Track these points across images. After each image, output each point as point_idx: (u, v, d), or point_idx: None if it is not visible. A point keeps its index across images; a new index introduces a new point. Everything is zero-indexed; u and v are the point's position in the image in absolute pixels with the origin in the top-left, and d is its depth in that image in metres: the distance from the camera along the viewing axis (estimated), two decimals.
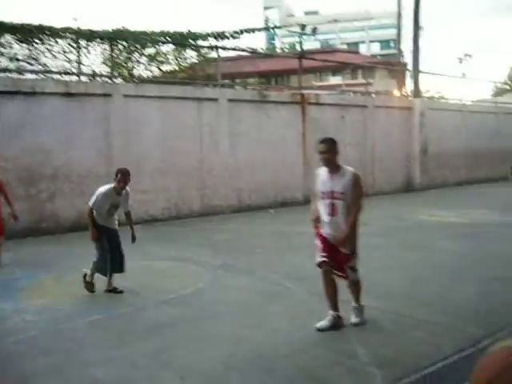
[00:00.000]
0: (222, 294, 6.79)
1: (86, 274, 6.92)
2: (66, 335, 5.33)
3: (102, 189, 6.93)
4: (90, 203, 6.92)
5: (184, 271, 8.24)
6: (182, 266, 8.51)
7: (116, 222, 7.17)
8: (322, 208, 5.34)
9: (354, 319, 5.38)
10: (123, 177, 6.85)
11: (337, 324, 5.27)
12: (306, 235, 11.12)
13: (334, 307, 5.34)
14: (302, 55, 18.51)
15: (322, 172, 5.43)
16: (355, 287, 5.49)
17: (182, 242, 10.94)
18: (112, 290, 6.83)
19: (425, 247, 9.51)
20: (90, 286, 6.86)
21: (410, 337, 5.00)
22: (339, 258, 5.30)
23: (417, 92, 22.30)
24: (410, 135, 21.17)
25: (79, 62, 15.02)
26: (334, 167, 5.35)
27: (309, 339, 4.99)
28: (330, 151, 5.30)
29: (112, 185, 6.92)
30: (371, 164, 19.69)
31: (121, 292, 6.80)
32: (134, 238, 7.18)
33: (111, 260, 6.88)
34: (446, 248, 9.39)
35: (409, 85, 26.51)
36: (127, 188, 7.04)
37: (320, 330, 5.16)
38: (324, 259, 5.32)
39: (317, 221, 5.39)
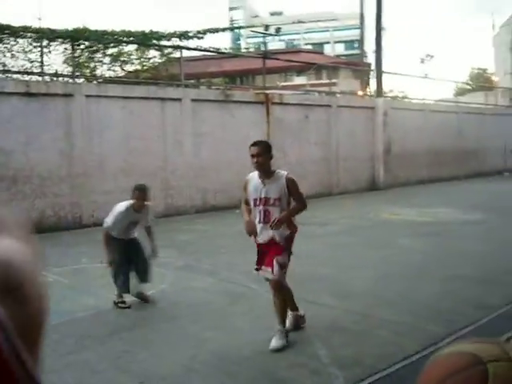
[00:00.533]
0: (184, 295, 6.72)
1: (116, 302, 6.25)
2: None
3: (120, 207, 6.37)
4: (107, 224, 6.31)
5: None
6: None
7: (133, 232, 6.59)
8: (254, 215, 5.04)
9: (273, 343, 4.72)
10: (141, 194, 6.38)
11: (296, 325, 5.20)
12: None
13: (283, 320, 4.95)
14: (266, 55, 18.49)
15: (254, 177, 5.13)
16: (280, 301, 4.90)
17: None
18: (142, 298, 6.41)
19: (388, 245, 9.59)
20: (123, 304, 6.24)
21: (372, 337, 5.02)
22: (270, 251, 4.92)
23: (380, 92, 22.53)
24: (373, 135, 21.38)
25: (40, 62, 14.73)
26: (266, 172, 5.04)
27: (271, 341, 4.96)
28: (262, 154, 5.00)
29: (130, 202, 6.39)
30: (336, 163, 19.81)
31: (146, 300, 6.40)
32: (155, 253, 6.60)
33: (136, 271, 6.35)
34: (409, 246, 9.49)
35: (372, 85, 26.82)
36: (147, 203, 6.53)
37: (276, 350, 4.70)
38: (256, 267, 5.10)
39: (254, 233, 5.07)
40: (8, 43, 15.05)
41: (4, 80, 13.19)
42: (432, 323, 5.34)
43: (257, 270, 5.10)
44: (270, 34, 35.80)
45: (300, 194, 5.08)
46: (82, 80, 15.82)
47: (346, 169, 20.04)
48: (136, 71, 18.72)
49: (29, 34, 15.02)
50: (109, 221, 6.31)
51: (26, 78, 14.38)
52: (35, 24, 16.09)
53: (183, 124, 15.30)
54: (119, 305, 6.20)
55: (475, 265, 7.82)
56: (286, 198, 4.98)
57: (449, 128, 25.09)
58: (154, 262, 8.36)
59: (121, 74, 18.95)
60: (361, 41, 27.84)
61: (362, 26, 26.58)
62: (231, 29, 36.76)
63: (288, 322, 5.05)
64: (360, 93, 26.44)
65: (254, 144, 5.12)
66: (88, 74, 16.74)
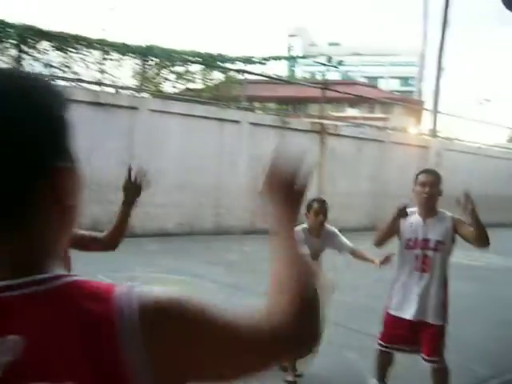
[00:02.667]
0: None
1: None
2: None
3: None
4: None
5: (197, 288, 8.38)
6: (196, 283, 8.65)
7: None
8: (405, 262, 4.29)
9: None
10: (319, 208, 4.92)
11: None
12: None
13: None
14: (326, 85, 18.77)
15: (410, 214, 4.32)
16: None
17: (196, 258, 11.10)
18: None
19: None
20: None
21: (420, 371, 5.10)
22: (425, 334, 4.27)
23: (434, 132, 22.50)
24: None
25: (110, 74, 15.42)
26: (432, 209, 4.32)
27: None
28: (436, 186, 4.30)
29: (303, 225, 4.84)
30: (384, 199, 19.82)
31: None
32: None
33: None
34: (457, 288, 9.47)
35: (425, 124, 26.78)
36: (327, 225, 5.07)
37: None
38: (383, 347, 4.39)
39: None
40: (82, 53, 15.77)
41: (75, 88, 13.83)
42: (478, 364, 5.39)
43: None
44: (332, 66, 36.13)
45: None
46: (146, 94, 16.42)
47: (394, 205, 19.97)
48: (198, 90, 19.27)
49: (102, 47, 15.72)
50: None
51: (96, 88, 15.02)
52: (101, 35, 16.84)
53: (240, 146, 15.65)
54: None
55: None
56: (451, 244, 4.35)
57: (501, 173, 24.80)
58: (206, 278, 8.62)
59: (183, 91, 19.54)
60: (419, 78, 27.83)
61: (422, 63, 26.62)
62: (293, 58, 37.19)
63: None
64: (412, 131, 26.42)
65: (427, 171, 4.43)
66: (153, 89, 17.34)
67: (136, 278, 8.76)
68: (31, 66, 15.60)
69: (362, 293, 8.64)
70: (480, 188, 23.66)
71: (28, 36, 15.17)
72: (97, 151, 13.20)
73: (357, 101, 46.04)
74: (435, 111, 22.54)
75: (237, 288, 8.36)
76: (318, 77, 60.96)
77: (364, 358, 5.31)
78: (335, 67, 41.59)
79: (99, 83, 15.35)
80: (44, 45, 15.55)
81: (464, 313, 7.63)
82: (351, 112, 47.98)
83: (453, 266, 12.02)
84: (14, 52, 15.06)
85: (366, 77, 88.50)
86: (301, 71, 70.64)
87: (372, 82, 73.60)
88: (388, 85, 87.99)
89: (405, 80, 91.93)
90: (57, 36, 15.21)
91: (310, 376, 4.81)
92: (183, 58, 18.05)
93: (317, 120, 18.57)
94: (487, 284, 10.02)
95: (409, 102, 33.73)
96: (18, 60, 14.83)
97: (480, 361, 5.52)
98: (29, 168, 0.81)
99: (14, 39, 14.76)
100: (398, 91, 76.37)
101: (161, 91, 17.83)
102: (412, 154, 20.99)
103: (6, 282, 0.78)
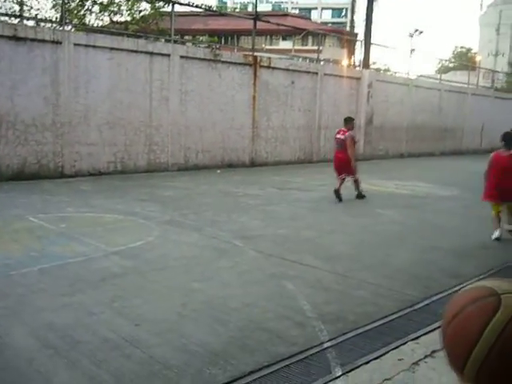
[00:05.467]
0: (171, 248, 6.91)
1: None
2: (17, 281, 5.34)
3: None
4: None
5: (132, 225, 8.30)
6: (130, 220, 8.56)
7: None
8: None
9: None
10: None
11: None
12: (251, 197, 11.35)
13: None
14: (257, 17, 18.38)
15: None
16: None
17: (129, 196, 10.94)
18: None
19: (367, 215, 9.88)
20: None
21: (353, 297, 5.28)
22: None
23: (367, 63, 22.62)
24: (356, 105, 21.56)
25: (29, 6, 14.50)
26: None
27: (257, 295, 5.20)
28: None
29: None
30: (318, 131, 20.00)
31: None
32: None
33: None
34: (387, 217, 9.79)
35: (358, 55, 26.87)
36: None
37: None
38: None
39: None
40: None
41: None
42: (409, 288, 5.62)
43: None
44: None
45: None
46: (70, 28, 15.59)
47: (327, 137, 20.23)
48: (125, 23, 18.48)
49: None
50: None
51: (14, 21, 14.13)
52: None
53: (170, 80, 15.26)
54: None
55: (451, 238, 8.15)
56: None
57: (430, 104, 25.42)
58: (140, 216, 8.56)
59: (109, 24, 18.69)
60: (352, 9, 27.66)
61: None
62: None
63: None
64: (345, 62, 26.49)
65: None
66: (77, 22, 16.48)
67: (68, 218, 8.56)
68: None
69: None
70: (411, 118, 24.27)
71: None
72: (19, 89, 12.58)
73: (289, 33, 45.64)
74: (367, 42, 22.56)
75: (174, 225, 8.33)
76: (250, 9, 59.82)
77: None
78: None
79: (17, 15, 14.42)
80: None
81: (394, 240, 7.92)
82: (284, 44, 47.57)
83: (383, 195, 12.43)
84: None
85: (298, 8, 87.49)
86: (231, 3, 68.99)
87: (305, 14, 72.91)
88: (321, 17, 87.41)
89: (337, 12, 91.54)
90: None
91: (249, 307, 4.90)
92: None
93: (249, 52, 18.25)
94: (416, 212, 10.39)
95: (342, 34, 33.61)
96: None
97: (411, 284, 5.75)
98: None
99: None
100: (330, 23, 76.11)
101: (85, 24, 17.00)
102: (345, 85, 21.11)
103: None
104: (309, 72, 19.73)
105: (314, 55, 23.45)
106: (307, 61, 23.22)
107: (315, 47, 33.71)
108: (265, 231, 8.13)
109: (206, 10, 21.24)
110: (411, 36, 38.29)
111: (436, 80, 29.75)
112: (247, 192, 11.99)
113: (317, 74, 19.96)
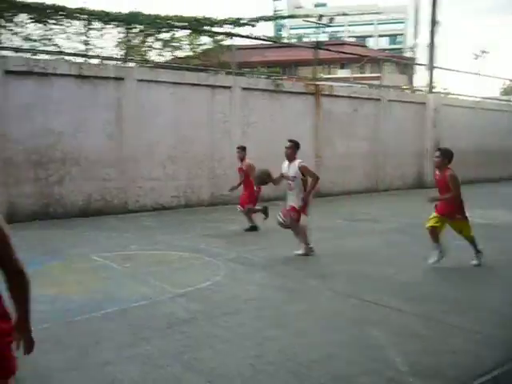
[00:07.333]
0: (240, 289, 6.46)
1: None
2: (79, 329, 5.03)
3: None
4: None
5: (198, 263, 7.94)
6: (195, 258, 8.21)
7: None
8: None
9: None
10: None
11: None
12: (321, 229, 10.82)
13: None
14: (318, 45, 18.07)
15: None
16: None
17: (194, 231, 10.65)
18: None
19: (449, 248, 9.17)
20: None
21: (447, 345, 4.68)
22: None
23: (431, 87, 21.91)
24: (422, 131, 20.82)
25: (93, 45, 14.69)
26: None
27: (339, 344, 4.68)
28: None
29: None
30: (383, 158, 19.36)
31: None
32: None
33: None
34: (467, 248, 9.06)
35: (420, 80, 26.16)
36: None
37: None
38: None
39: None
40: (62, 25, 15.01)
41: (57, 61, 13.13)
42: (507, 332, 4.99)
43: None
44: (323, 25, 35.27)
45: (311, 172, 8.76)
46: (133, 64, 15.70)
47: (392, 165, 19.56)
48: (186, 57, 18.54)
49: (83, 16, 14.95)
50: None
51: (79, 60, 14.31)
52: (87, 6, 16.06)
53: (232, 113, 15.08)
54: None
55: None
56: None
57: (499, 127, 24.33)
58: (206, 253, 8.20)
59: (171, 59, 18.79)
60: (414, 33, 27.04)
61: (416, 17, 25.84)
62: (283, 17, 36.27)
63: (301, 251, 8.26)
64: (407, 88, 25.81)
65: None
66: (139, 59, 16.61)
67: (133, 256, 8.30)
68: (10, 40, 14.88)
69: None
70: (479, 142, 23.25)
71: (3, 9, 14.43)
72: (83, 126, 12.63)
73: (347, 61, 45.34)
74: (431, 66, 21.89)
75: (239, 262, 7.92)
76: (305, 39, 59.92)
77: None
78: (326, 26, 40.65)
79: (83, 55, 14.61)
80: (22, 17, 14.80)
81: (479, 276, 7.25)
82: (342, 73, 47.22)
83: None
84: None
85: (354, 36, 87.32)
86: (287, 35, 69.39)
87: (361, 42, 72.58)
88: (377, 44, 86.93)
89: (393, 38, 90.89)
90: (34, 7, 14.42)
91: (330, 355, 4.39)
92: (168, 23, 17.22)
93: (310, 82, 17.92)
94: (498, 243, 9.63)
95: (402, 59, 32.97)
96: None
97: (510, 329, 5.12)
98: None
99: None
100: (387, 49, 75.44)
101: (147, 60, 17.11)
102: (409, 111, 20.45)
103: None
104: (371, 98, 19.22)
105: (373, 82, 22.92)
106: (372, 88, 22.66)
107: (374, 74, 33.22)
108: (339, 268, 7.61)
109: (269, 41, 21.12)
110: (476, 58, 37.12)
111: (505, 102, 28.59)
112: (317, 224, 11.48)
113: (380, 100, 19.42)
